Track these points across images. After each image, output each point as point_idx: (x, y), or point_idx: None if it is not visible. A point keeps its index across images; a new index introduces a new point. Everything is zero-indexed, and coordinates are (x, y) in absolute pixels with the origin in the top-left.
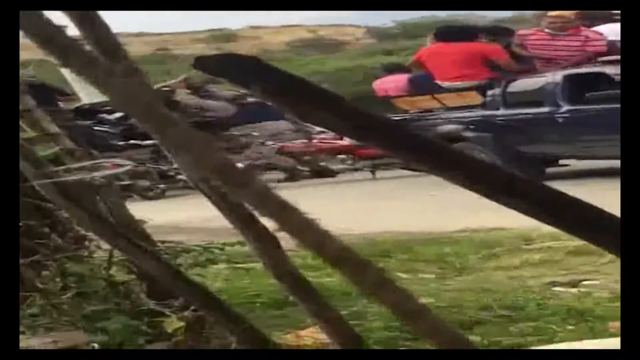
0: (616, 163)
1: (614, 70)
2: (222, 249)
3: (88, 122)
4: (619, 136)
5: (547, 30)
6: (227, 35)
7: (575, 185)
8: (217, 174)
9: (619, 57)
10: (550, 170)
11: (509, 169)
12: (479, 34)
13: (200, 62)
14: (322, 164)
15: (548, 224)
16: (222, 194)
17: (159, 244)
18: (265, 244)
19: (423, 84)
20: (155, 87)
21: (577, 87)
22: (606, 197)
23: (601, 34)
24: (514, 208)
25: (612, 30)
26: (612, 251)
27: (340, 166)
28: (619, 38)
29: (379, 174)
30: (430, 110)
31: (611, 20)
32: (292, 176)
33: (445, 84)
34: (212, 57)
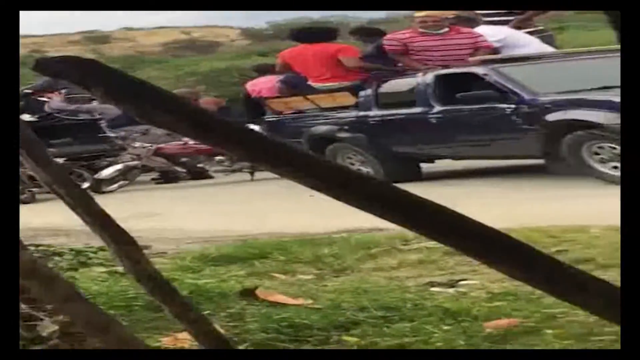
0: (491, 163)
1: (482, 70)
2: (95, 253)
3: None
4: (490, 136)
5: (421, 30)
6: (101, 37)
7: (452, 185)
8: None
9: (487, 57)
10: (427, 170)
11: (383, 169)
12: (340, 35)
13: (41, 65)
14: (199, 165)
15: (397, 223)
16: (76, 196)
17: (31, 248)
18: (123, 245)
19: (295, 85)
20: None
21: (448, 87)
22: (476, 197)
23: (479, 33)
24: (365, 209)
25: (485, 32)
26: (461, 250)
27: (218, 168)
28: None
29: (258, 175)
30: (304, 111)
31: (480, 22)
32: (168, 178)
33: (318, 84)
34: (52, 59)
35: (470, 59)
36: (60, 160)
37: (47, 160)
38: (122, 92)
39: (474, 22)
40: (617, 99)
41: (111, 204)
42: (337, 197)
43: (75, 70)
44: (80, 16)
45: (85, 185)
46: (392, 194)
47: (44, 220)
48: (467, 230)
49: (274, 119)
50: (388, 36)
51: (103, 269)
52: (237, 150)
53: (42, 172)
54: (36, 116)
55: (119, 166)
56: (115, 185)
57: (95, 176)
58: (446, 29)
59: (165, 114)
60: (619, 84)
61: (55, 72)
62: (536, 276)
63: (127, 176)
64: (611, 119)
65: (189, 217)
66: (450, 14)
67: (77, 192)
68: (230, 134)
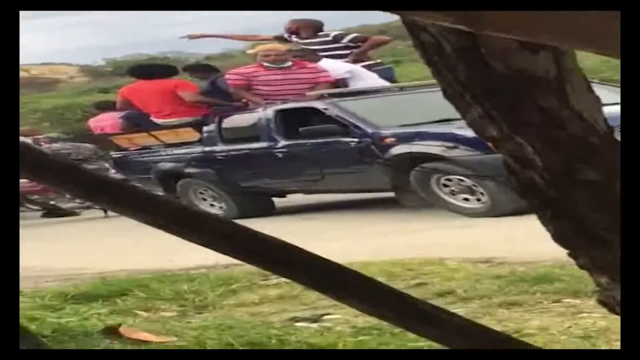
0: (344, 197)
1: (322, 105)
2: None
3: None
4: (338, 170)
5: (266, 64)
6: None
7: (307, 220)
8: None
9: (325, 91)
10: (281, 204)
11: (235, 204)
12: (179, 71)
13: None
14: (52, 202)
15: (242, 260)
16: None
17: None
18: None
19: (138, 121)
20: None
21: (289, 122)
22: (331, 230)
23: (323, 68)
24: (198, 243)
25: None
26: (302, 282)
27: (71, 204)
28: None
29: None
30: (149, 147)
31: (320, 58)
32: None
33: (160, 120)
34: None
35: (308, 93)
36: None
37: None
38: None
39: (314, 57)
40: (459, 132)
41: None
42: (180, 236)
43: None
44: None
45: None
46: (233, 232)
47: None
48: (309, 266)
49: (120, 155)
50: (232, 70)
51: None
52: (72, 190)
53: None
54: None
55: None
56: None
57: None
58: (289, 63)
59: None
60: (457, 116)
61: None
62: (387, 312)
63: None
64: (454, 151)
65: (45, 254)
66: (290, 48)
67: None
68: (63, 173)
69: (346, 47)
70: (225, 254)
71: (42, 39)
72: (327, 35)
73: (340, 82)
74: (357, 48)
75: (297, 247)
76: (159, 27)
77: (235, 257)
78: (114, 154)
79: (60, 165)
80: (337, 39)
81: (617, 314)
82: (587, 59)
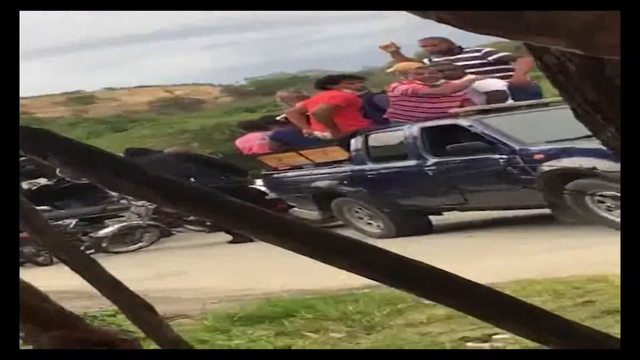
0: (500, 214)
1: (467, 122)
2: (114, 316)
3: None
4: (490, 187)
5: (418, 82)
6: (85, 98)
7: (465, 237)
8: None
9: (468, 108)
10: (437, 222)
11: (392, 223)
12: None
13: None
14: (208, 223)
15: (377, 281)
16: (80, 261)
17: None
18: (138, 310)
19: (285, 140)
20: None
21: (436, 139)
22: (492, 248)
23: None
24: (339, 267)
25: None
26: (451, 306)
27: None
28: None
29: None
30: (300, 167)
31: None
32: (165, 234)
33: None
34: None
35: (451, 110)
36: (72, 222)
37: (45, 227)
38: (79, 162)
39: (460, 74)
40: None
41: (132, 264)
42: (322, 260)
43: (30, 141)
44: (62, 77)
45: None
46: (369, 254)
47: (66, 282)
48: (456, 289)
49: (271, 173)
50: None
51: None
52: (208, 215)
53: (41, 239)
54: (53, 180)
55: (116, 226)
56: (135, 246)
57: (92, 234)
58: (442, 81)
59: (126, 181)
60: None
61: None
62: (547, 336)
63: (138, 236)
64: (606, 166)
65: (209, 275)
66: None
67: (81, 257)
68: (196, 200)
69: (493, 64)
70: (365, 277)
71: (183, 60)
72: (478, 51)
73: (493, 98)
74: (504, 65)
75: (440, 269)
76: (298, 46)
77: (376, 281)
78: (265, 173)
79: (199, 194)
80: (485, 55)
81: None
82: None
